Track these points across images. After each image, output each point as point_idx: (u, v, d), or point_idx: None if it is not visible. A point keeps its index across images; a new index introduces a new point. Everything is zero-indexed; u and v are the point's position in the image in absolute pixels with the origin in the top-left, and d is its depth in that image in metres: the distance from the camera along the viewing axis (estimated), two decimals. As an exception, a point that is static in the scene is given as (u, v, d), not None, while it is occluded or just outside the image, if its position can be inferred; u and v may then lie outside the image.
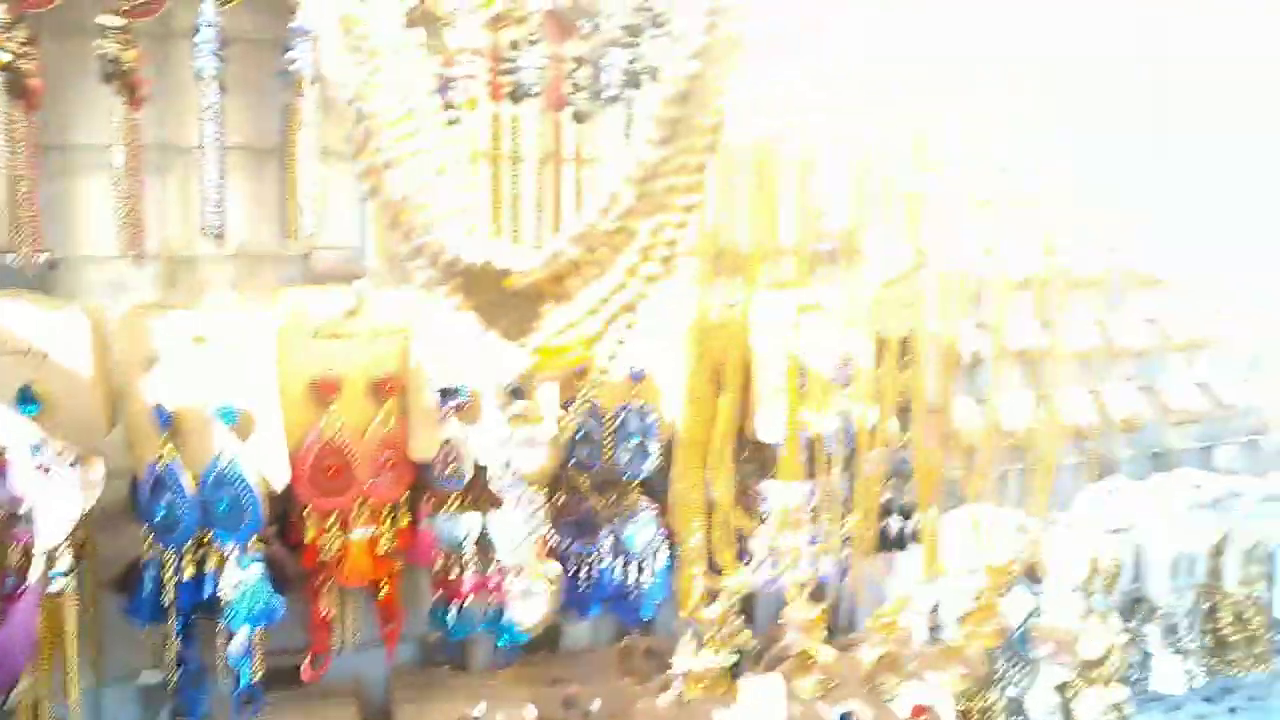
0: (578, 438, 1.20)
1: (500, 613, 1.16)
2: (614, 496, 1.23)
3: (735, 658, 1.18)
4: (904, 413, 1.43)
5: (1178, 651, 1.74)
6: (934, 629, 1.53)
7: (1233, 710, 1.88)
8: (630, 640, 1.38)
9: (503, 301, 0.75)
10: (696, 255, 1.38)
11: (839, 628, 1.53)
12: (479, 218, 0.74)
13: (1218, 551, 1.80)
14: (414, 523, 1.15)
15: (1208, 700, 1.84)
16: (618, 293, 0.74)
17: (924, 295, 1.54)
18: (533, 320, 0.76)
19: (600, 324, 0.76)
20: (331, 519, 1.10)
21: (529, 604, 0.92)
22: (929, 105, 1.63)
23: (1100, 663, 1.64)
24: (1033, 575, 1.60)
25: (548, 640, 1.37)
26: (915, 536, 1.43)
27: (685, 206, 0.70)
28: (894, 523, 1.42)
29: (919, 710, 1.47)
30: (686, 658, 1.16)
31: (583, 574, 1.21)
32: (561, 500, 1.21)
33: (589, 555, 1.21)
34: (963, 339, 1.63)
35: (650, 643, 1.38)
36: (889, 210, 1.57)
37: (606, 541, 1.21)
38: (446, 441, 1.14)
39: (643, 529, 1.23)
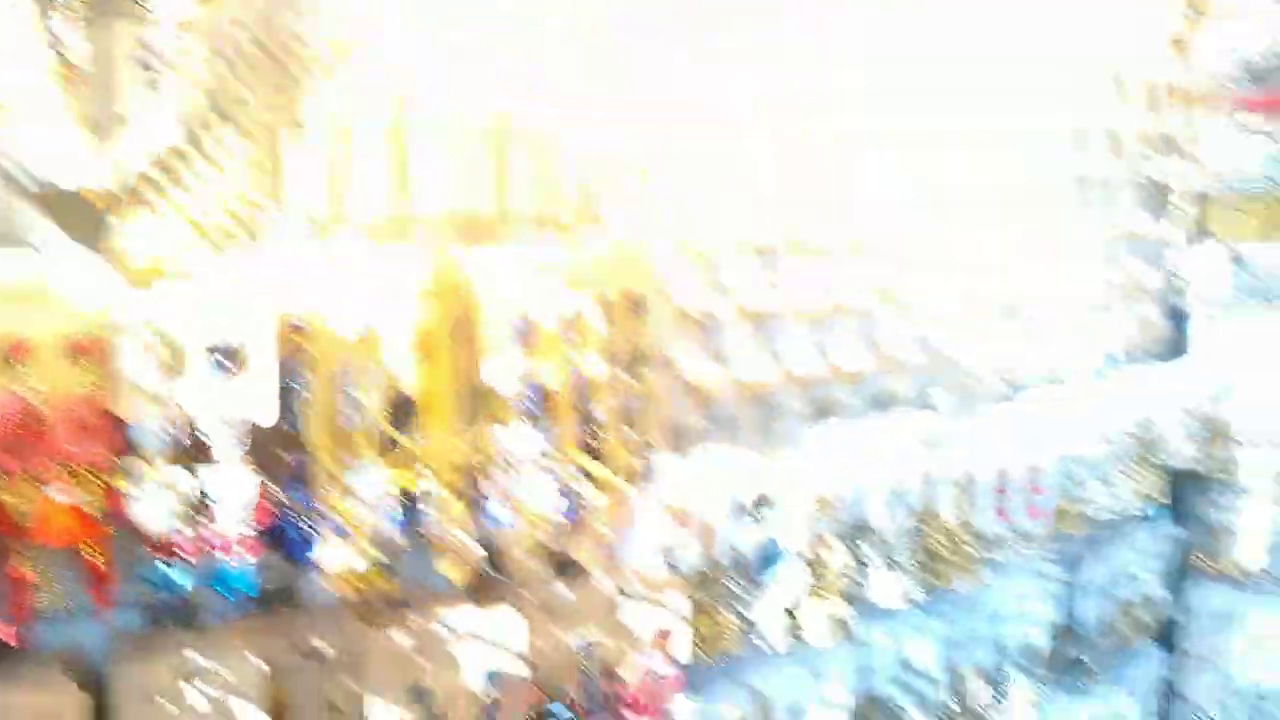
0: (299, 394, 1.15)
1: (223, 568, 1.10)
2: (339, 449, 1.18)
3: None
4: (634, 365, 1.45)
5: (895, 570, 1.83)
6: (671, 564, 1.55)
7: (943, 615, 2.01)
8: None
9: (92, 222, 0.69)
10: (430, 220, 1.35)
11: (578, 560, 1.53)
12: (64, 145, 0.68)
13: (930, 481, 1.91)
14: (124, 483, 1.07)
15: (922, 610, 1.96)
16: (201, 212, 0.70)
17: (655, 258, 1.56)
18: (121, 238, 0.71)
19: (191, 240, 0.72)
20: (27, 480, 1.01)
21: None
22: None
23: (825, 581, 1.72)
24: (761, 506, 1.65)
25: (283, 595, 1.31)
26: (644, 477, 1.45)
27: (268, 133, 0.67)
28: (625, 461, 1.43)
29: (660, 634, 1.49)
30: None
31: (306, 525, 1.16)
32: (286, 453, 1.16)
33: (313, 506, 1.16)
34: (696, 299, 1.66)
35: (390, 591, 1.34)
36: (624, 179, 1.58)
37: (331, 493, 1.16)
38: (155, 399, 1.06)
39: (368, 480, 1.19)
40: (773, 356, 1.77)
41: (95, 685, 1.13)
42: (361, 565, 1.11)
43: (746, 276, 1.74)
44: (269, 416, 1.12)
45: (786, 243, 1.79)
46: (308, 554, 1.17)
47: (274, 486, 1.13)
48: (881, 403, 1.97)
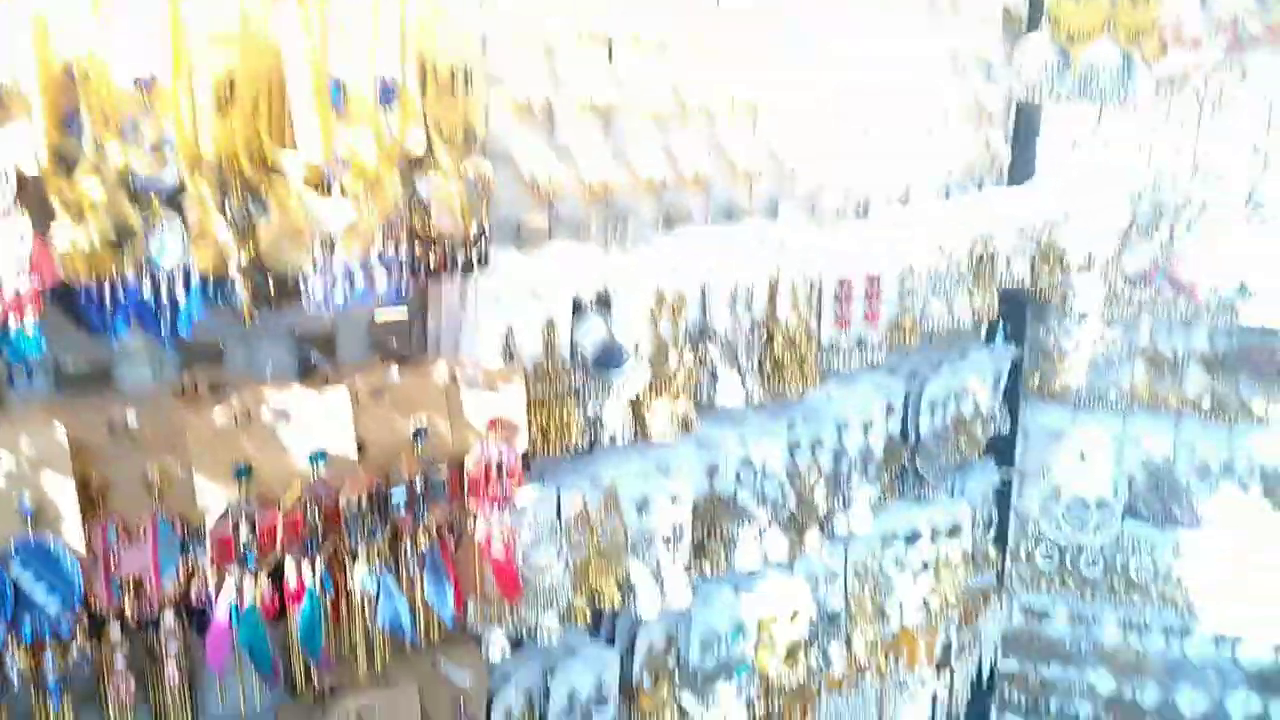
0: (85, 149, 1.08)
1: (4, 331, 1.04)
2: (137, 211, 1.12)
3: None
4: (461, 145, 1.41)
5: (738, 371, 1.89)
6: (511, 354, 1.56)
7: (791, 425, 2.11)
8: (190, 374, 1.30)
9: None
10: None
11: (413, 349, 1.53)
12: None
13: (774, 287, 1.96)
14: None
15: (767, 414, 2.05)
16: None
17: (475, 29, 1.48)
18: None
19: None
20: None
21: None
22: None
23: (668, 379, 1.77)
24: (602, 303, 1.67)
25: (99, 377, 1.26)
26: (480, 262, 1.44)
27: None
28: (459, 248, 1.41)
29: (501, 423, 1.51)
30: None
31: (105, 292, 1.11)
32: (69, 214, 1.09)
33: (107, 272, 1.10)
34: (531, 88, 1.62)
35: (212, 376, 1.31)
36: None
37: (127, 256, 1.11)
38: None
39: (170, 244, 1.14)
40: (616, 156, 1.75)
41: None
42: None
43: (587, 69, 1.70)
44: (35, 163, 1.04)
45: (628, 36, 1.75)
46: (107, 320, 1.12)
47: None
48: (729, 213, 2.00)
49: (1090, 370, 2.82)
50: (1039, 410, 2.89)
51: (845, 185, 2.23)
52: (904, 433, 2.45)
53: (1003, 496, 2.89)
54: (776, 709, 2.22)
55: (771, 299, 1.95)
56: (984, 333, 2.76)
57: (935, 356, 2.55)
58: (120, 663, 1.24)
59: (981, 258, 2.41)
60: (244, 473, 1.25)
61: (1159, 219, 2.52)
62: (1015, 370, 2.81)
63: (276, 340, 1.40)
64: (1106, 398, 2.83)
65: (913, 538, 2.50)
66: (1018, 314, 2.78)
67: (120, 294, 1.12)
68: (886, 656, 2.54)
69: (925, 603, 2.52)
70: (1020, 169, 2.71)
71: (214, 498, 1.24)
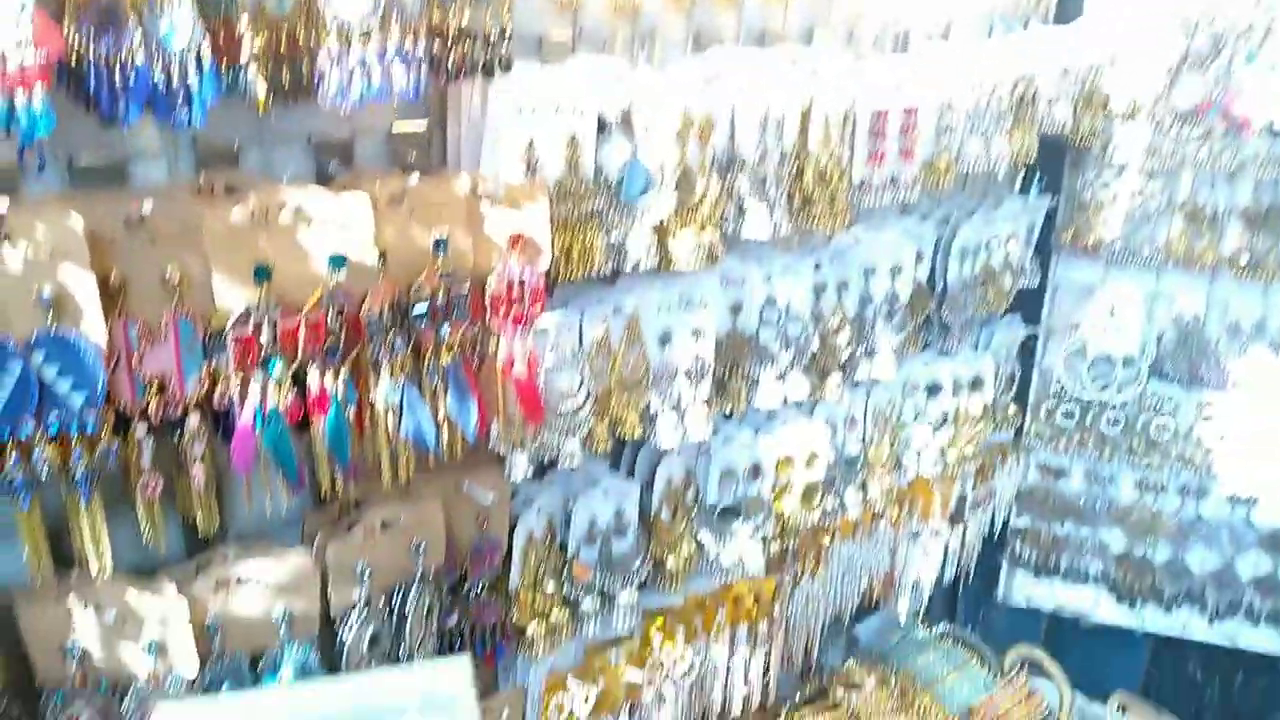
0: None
1: (10, 104, 1.01)
2: (142, -12, 1.07)
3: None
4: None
5: (765, 202, 1.84)
6: (531, 168, 1.52)
7: (818, 266, 2.07)
8: (208, 174, 1.28)
9: None
10: None
11: (432, 163, 1.50)
12: None
13: (805, 117, 1.89)
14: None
15: (794, 255, 2.01)
16: None
17: None
18: None
19: None
20: None
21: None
22: None
23: (693, 206, 1.72)
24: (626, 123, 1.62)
25: (112, 174, 1.24)
26: (501, 65, 1.39)
27: None
28: (480, 49, 1.35)
29: (516, 239, 1.48)
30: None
31: (116, 74, 1.07)
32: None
33: (117, 53, 1.06)
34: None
35: (229, 179, 1.29)
36: None
37: (136, 36, 1.07)
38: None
39: (180, 25, 1.09)
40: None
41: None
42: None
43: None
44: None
45: None
46: (117, 105, 1.09)
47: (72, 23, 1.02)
48: (761, 38, 1.91)
49: (1126, 224, 2.75)
50: (1070, 264, 2.84)
51: (884, 15, 2.13)
52: (931, 281, 2.41)
53: (1027, 352, 2.87)
54: (790, 549, 2.27)
55: (803, 129, 1.89)
56: (1018, 183, 2.69)
57: (968, 204, 2.48)
58: (146, 460, 1.26)
59: (1023, 99, 2.31)
60: (263, 274, 1.24)
61: (1217, 50, 2.39)
62: (1048, 223, 2.75)
63: (293, 144, 1.37)
64: (1140, 253, 2.77)
65: (934, 389, 2.50)
66: (1055, 164, 2.69)
67: (130, 76, 1.08)
68: (901, 505, 2.58)
69: (943, 454, 2.54)
70: (1068, 7, 2.58)
71: (234, 297, 1.24)
